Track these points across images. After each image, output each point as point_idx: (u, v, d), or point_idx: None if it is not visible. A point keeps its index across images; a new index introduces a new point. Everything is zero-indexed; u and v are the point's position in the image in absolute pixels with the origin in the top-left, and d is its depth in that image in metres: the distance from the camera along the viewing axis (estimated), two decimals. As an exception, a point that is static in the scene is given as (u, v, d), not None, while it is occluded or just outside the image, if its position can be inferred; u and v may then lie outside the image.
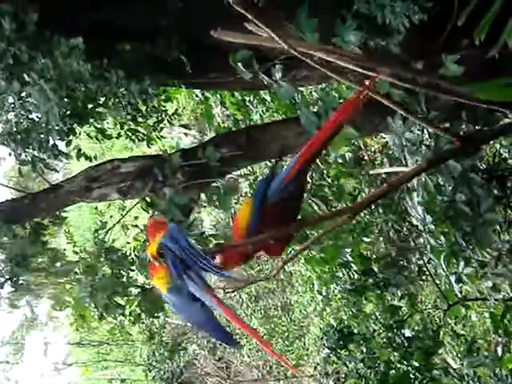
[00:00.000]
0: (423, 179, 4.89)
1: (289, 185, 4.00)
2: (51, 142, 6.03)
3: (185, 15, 5.72)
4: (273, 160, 9.41)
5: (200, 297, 3.79)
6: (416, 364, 6.87)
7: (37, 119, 5.95)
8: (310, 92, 10.29)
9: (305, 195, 4.21)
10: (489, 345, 8.12)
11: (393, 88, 4.71)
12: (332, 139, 4.09)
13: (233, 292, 17.27)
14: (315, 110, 5.33)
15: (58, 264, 7.03)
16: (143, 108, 6.59)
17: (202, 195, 6.37)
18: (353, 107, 4.04)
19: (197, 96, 10.81)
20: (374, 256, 7.68)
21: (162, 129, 7.24)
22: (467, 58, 4.60)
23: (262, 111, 10.43)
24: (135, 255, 6.65)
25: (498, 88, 3.78)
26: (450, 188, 4.75)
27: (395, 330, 7.18)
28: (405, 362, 6.93)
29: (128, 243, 7.59)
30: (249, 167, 10.90)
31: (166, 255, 3.65)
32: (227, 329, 3.81)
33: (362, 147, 10.13)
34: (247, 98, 10.41)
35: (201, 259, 3.60)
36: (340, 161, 8.44)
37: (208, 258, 3.62)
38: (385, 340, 7.28)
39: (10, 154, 6.26)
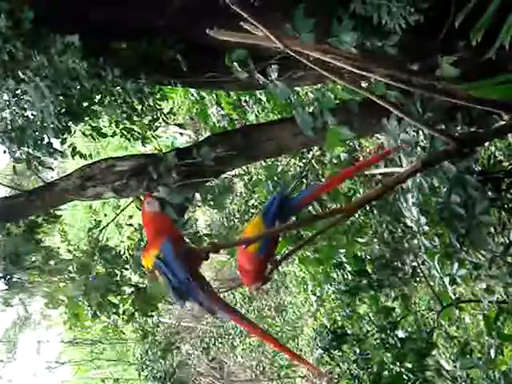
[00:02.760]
0: (418, 180, 4.89)
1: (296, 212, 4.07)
2: (46, 139, 6.02)
3: (181, 15, 5.72)
4: (268, 161, 9.46)
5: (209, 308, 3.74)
6: (409, 365, 6.87)
7: (32, 117, 5.93)
8: (306, 92, 10.30)
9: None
10: (482, 347, 8.10)
11: (388, 89, 4.72)
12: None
13: (227, 292, 17.33)
14: (311, 111, 5.33)
15: (52, 262, 7.02)
16: (139, 107, 6.58)
17: (197, 194, 6.37)
18: (376, 161, 4.28)
19: (192, 95, 10.82)
20: (369, 257, 7.67)
21: (157, 128, 7.22)
22: (464, 59, 4.61)
23: (258, 111, 10.44)
24: (129, 254, 6.65)
25: (493, 86, 3.79)
26: (445, 190, 4.75)
27: (389, 331, 7.18)
28: (398, 363, 6.93)
29: (122, 242, 7.59)
30: (244, 167, 10.90)
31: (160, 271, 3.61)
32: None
33: (358, 148, 10.13)
34: (243, 98, 10.42)
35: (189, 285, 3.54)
36: (335, 161, 8.45)
37: (196, 290, 3.56)
38: (378, 341, 7.28)
39: (4, 152, 6.25)
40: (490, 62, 4.38)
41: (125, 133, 7.04)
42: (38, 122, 5.87)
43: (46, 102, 5.61)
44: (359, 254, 7.74)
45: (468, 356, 6.71)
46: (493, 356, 6.60)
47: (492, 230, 5.25)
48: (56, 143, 6.19)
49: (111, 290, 6.60)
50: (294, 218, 4.11)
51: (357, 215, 7.66)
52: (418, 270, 7.31)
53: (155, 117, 7.00)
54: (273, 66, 5.19)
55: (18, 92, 5.80)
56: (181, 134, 17.32)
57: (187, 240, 6.26)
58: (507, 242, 5.92)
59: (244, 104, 10.71)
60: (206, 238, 6.92)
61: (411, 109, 4.70)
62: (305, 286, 12.68)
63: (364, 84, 5.31)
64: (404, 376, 6.82)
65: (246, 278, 3.93)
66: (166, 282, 3.52)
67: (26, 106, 5.87)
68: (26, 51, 5.46)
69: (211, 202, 6.37)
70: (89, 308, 6.63)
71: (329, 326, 7.73)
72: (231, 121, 10.70)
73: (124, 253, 6.75)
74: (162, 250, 3.55)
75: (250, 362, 17.90)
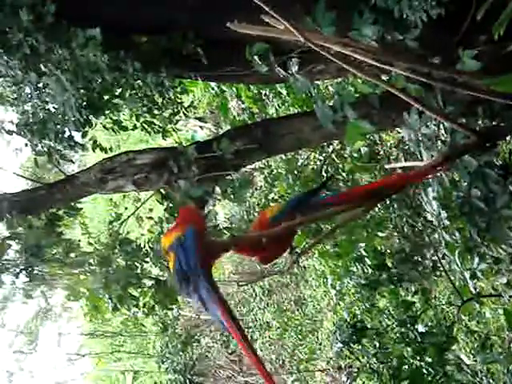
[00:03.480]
0: (439, 174, 4.87)
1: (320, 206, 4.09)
2: (67, 133, 6.06)
3: (201, 9, 5.72)
4: (288, 154, 9.45)
5: (208, 305, 3.77)
6: (429, 360, 6.85)
7: (53, 110, 5.97)
8: (326, 86, 10.28)
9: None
10: (502, 341, 8.10)
11: (409, 82, 4.70)
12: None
13: (246, 285, 17.36)
14: (331, 104, 5.32)
15: (73, 255, 7.04)
16: (159, 100, 6.60)
17: (217, 188, 6.37)
18: (421, 178, 4.29)
19: (213, 89, 10.83)
20: (388, 251, 7.66)
21: (177, 121, 7.24)
22: (485, 53, 4.58)
23: (278, 105, 10.43)
24: (149, 247, 6.67)
25: (514, 80, 3.77)
26: (466, 184, 4.73)
27: (408, 326, 7.17)
28: (418, 358, 6.92)
29: (142, 235, 7.60)
30: (264, 161, 10.89)
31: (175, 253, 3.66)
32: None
33: (378, 142, 10.10)
34: (263, 92, 10.41)
35: (197, 277, 3.57)
36: (355, 155, 8.44)
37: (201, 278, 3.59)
38: (398, 335, 7.27)
39: (26, 145, 6.30)
40: (511, 56, 4.36)
41: (145, 126, 7.06)
42: (60, 115, 5.90)
43: (67, 95, 5.64)
44: (379, 248, 7.73)
45: (488, 351, 6.69)
46: (513, 351, 6.58)
47: (513, 224, 5.22)
48: (77, 136, 6.23)
49: (131, 283, 6.62)
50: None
51: (377, 209, 7.65)
52: (438, 265, 7.29)
53: (175, 110, 7.02)
54: (293, 60, 5.19)
55: (40, 85, 5.84)
56: (201, 127, 17.32)
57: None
58: (528, 236, 5.90)
59: (264, 97, 10.70)
60: (225, 232, 6.92)
61: (432, 102, 4.68)
62: (324, 280, 12.69)
63: (384, 77, 5.29)
64: (424, 370, 6.81)
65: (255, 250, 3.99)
66: (176, 265, 3.58)
67: (47, 99, 5.91)
68: (48, 45, 5.49)
69: (231, 196, 6.37)
70: (109, 300, 6.65)
71: (348, 320, 7.72)
72: (251, 114, 10.70)
73: (144, 246, 6.76)
74: (185, 234, 3.63)
75: (270, 356, 17.88)
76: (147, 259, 6.69)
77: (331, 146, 9.54)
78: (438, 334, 7.04)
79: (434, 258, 7.26)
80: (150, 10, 5.79)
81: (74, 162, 9.87)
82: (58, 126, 5.99)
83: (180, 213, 4.12)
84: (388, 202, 7.56)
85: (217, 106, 12.88)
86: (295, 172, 8.81)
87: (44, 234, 6.58)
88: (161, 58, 5.89)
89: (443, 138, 4.75)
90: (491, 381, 6.47)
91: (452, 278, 7.22)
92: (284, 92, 9.94)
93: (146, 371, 19.12)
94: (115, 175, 6.22)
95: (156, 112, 6.76)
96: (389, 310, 7.76)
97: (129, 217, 7.53)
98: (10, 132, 6.36)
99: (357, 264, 7.70)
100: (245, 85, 9.17)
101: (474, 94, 3.93)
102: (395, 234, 7.80)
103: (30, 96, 5.95)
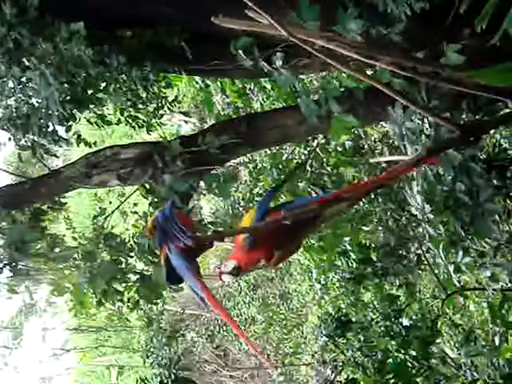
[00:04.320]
0: (423, 168, 4.89)
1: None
2: (51, 127, 6.02)
3: (187, 3, 5.71)
4: (273, 149, 9.45)
5: (187, 279, 3.87)
6: (414, 353, 6.89)
7: (37, 104, 5.94)
8: (311, 80, 10.29)
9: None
10: (486, 334, 8.14)
11: (393, 77, 4.71)
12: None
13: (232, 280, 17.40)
14: (316, 99, 5.32)
15: (57, 250, 7.03)
16: (143, 94, 6.58)
17: (202, 182, 6.37)
18: (401, 174, 4.31)
19: (197, 83, 10.80)
20: (373, 245, 7.69)
21: (162, 115, 7.23)
22: (469, 46, 4.59)
23: (263, 99, 10.43)
24: (134, 241, 6.65)
25: (498, 73, 3.79)
26: (450, 178, 4.75)
27: (393, 319, 7.20)
28: (402, 351, 6.95)
29: (127, 230, 7.60)
30: (249, 155, 10.90)
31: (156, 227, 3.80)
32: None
33: (363, 136, 10.12)
34: (248, 86, 10.41)
35: (177, 230, 3.68)
36: (340, 149, 8.45)
37: (185, 231, 3.70)
38: (383, 329, 7.30)
39: (9, 139, 6.26)
40: (494, 49, 4.37)
41: (130, 120, 7.05)
42: (43, 110, 5.87)
43: (51, 89, 5.61)
44: (364, 242, 7.75)
45: (472, 344, 6.73)
46: (497, 343, 6.63)
47: (497, 217, 5.25)
48: (61, 131, 6.20)
49: (116, 278, 6.60)
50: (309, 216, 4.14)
51: (361, 203, 7.67)
52: (423, 258, 7.34)
53: (160, 104, 7.01)
54: (278, 54, 5.19)
55: (24, 79, 5.81)
56: (186, 121, 17.31)
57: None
58: (512, 229, 5.94)
59: (249, 92, 10.70)
60: (210, 226, 6.92)
61: (416, 97, 4.69)
62: (309, 274, 12.68)
63: (369, 72, 5.30)
64: (408, 363, 6.84)
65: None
66: (159, 233, 3.71)
67: (31, 93, 5.87)
68: (32, 39, 5.46)
69: (216, 190, 6.37)
70: (94, 295, 6.64)
71: (333, 314, 7.75)
72: (236, 109, 10.70)
73: (129, 240, 6.75)
74: (164, 208, 3.76)
75: (255, 350, 17.94)
76: (132, 254, 6.67)
77: (316, 140, 9.54)
78: (422, 327, 7.08)
79: (418, 252, 7.30)
80: (136, 3, 5.78)
81: (58, 157, 9.87)
82: (42, 121, 5.96)
83: None
84: (373, 196, 7.58)
85: (201, 100, 12.85)
86: (280, 166, 8.81)
87: (28, 229, 6.56)
88: (145, 52, 5.87)
89: (427, 132, 4.76)
90: (475, 373, 6.51)
91: (436, 271, 7.26)
92: (269, 86, 9.93)
93: (130, 366, 19.12)
94: (100, 170, 6.20)
95: (140, 106, 6.75)
96: (373, 304, 7.79)
97: (113, 211, 7.52)
98: (-7, 126, 6.33)
99: (342, 258, 7.72)
100: (229, 79, 9.16)
101: (458, 89, 3.95)
102: (380, 228, 7.82)
103: (13, 90, 5.91)
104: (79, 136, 6.59)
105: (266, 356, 17.87)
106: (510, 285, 6.33)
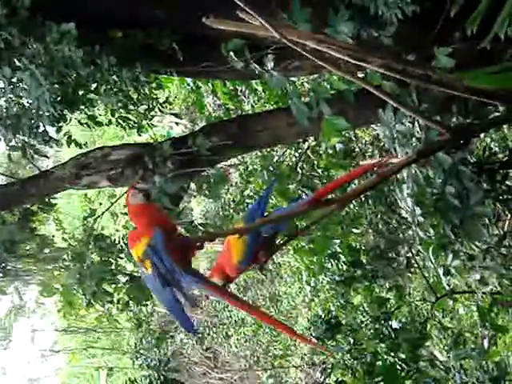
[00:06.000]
0: (413, 171, 4.89)
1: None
2: (42, 127, 6.00)
3: (179, 4, 5.71)
4: (264, 151, 9.46)
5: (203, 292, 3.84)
6: (403, 356, 6.90)
7: (27, 105, 5.92)
8: (302, 82, 10.29)
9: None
10: (475, 338, 8.14)
11: (384, 79, 4.72)
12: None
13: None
14: (307, 101, 5.33)
15: (47, 250, 7.03)
16: (134, 95, 6.57)
17: (192, 184, 6.37)
18: (363, 172, 4.31)
19: (188, 85, 10.80)
20: (363, 247, 7.69)
21: (152, 117, 7.21)
22: (459, 50, 4.61)
23: (254, 101, 10.44)
24: (124, 243, 6.65)
25: (488, 75, 3.80)
26: (440, 180, 4.75)
27: (383, 322, 7.21)
28: (392, 354, 6.96)
29: (117, 231, 7.59)
30: (239, 157, 10.90)
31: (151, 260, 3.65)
32: (190, 318, 3.80)
33: (353, 139, 10.14)
34: (239, 88, 10.41)
35: (177, 276, 3.60)
36: (330, 152, 8.46)
37: (184, 275, 3.63)
38: (372, 331, 7.31)
39: (-1, 140, 6.24)
40: (485, 52, 4.39)
41: (120, 121, 7.02)
42: (34, 110, 5.85)
43: (42, 89, 5.59)
44: (354, 245, 7.76)
45: (461, 347, 6.75)
46: (486, 347, 6.65)
47: (486, 221, 5.26)
48: (51, 131, 6.18)
49: (106, 279, 6.60)
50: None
51: (351, 206, 7.67)
52: (413, 261, 7.34)
53: (151, 106, 6.99)
54: (269, 56, 5.19)
55: (14, 80, 5.78)
56: (176, 123, 17.27)
57: (182, 230, 6.28)
58: (501, 233, 5.94)
59: (240, 94, 10.70)
60: (201, 228, 6.92)
61: (407, 99, 4.70)
62: (299, 276, 12.70)
63: (360, 74, 5.30)
64: (398, 366, 6.85)
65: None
66: (154, 271, 3.57)
67: (21, 93, 5.85)
68: (22, 39, 5.44)
69: (206, 192, 6.37)
70: (83, 296, 6.63)
71: (323, 316, 7.75)
72: (227, 110, 10.69)
73: (119, 242, 6.75)
74: (154, 239, 3.60)
75: (244, 352, 17.93)
76: (122, 255, 6.67)
77: (306, 143, 9.56)
78: (411, 330, 7.09)
79: (408, 255, 7.30)
80: (127, 4, 5.77)
81: (48, 158, 9.81)
82: (33, 121, 5.94)
83: (134, 216, 3.97)
84: (363, 199, 7.59)
85: (192, 102, 12.85)
86: (271, 168, 8.81)
87: (18, 230, 6.55)
88: (136, 53, 5.86)
89: (418, 135, 4.77)
90: (464, 377, 6.52)
91: (426, 274, 7.27)
92: (260, 88, 9.94)
93: (120, 367, 19.06)
94: (90, 171, 6.20)
95: (131, 107, 6.73)
96: (363, 307, 7.80)
97: (103, 213, 7.50)
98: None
99: (332, 260, 7.73)
100: (221, 81, 9.16)
101: (448, 92, 3.96)
102: (370, 230, 7.82)
103: (3, 90, 5.89)
104: (70, 137, 6.57)
105: (255, 358, 17.89)
106: (499, 288, 6.35)
